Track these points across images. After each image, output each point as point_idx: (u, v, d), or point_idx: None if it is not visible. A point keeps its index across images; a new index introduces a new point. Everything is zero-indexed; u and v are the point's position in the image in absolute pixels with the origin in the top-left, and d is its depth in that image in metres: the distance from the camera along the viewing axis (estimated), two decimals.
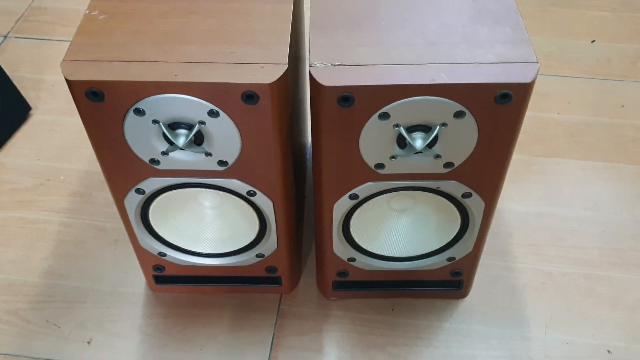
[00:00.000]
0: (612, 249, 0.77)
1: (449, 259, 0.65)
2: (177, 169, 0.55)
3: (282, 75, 0.49)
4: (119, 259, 0.76)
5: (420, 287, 0.70)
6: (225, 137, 0.52)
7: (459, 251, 0.64)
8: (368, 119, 0.49)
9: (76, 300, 0.72)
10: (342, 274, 0.67)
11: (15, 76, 0.97)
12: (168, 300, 0.72)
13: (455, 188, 0.56)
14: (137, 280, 0.73)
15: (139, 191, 0.58)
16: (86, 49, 0.51)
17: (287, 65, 0.49)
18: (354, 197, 0.57)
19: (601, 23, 1.09)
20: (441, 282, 0.69)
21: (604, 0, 1.14)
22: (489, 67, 0.48)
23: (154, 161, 0.54)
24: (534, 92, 0.48)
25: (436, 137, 0.51)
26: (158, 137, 0.52)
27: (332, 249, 0.63)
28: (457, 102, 0.48)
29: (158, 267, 0.68)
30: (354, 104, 0.48)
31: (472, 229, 0.61)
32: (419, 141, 0.50)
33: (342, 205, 0.57)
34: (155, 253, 0.65)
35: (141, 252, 0.66)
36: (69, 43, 0.52)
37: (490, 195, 0.57)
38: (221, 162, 0.54)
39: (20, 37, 1.08)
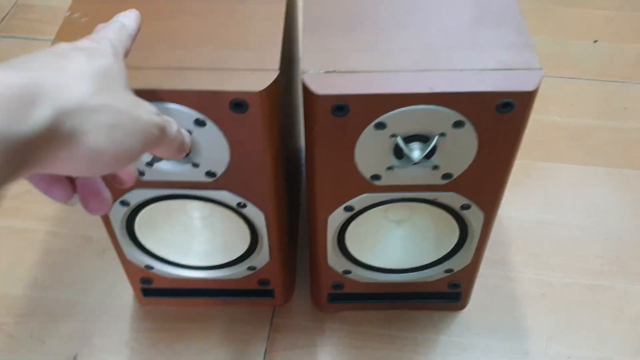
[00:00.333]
0: (615, 257, 0.75)
1: (447, 271, 0.63)
2: (162, 180, 0.53)
3: (273, 82, 0.46)
4: (106, 270, 0.73)
5: (418, 299, 0.68)
6: (213, 147, 0.49)
7: (457, 263, 0.62)
8: (364, 128, 0.47)
9: (62, 313, 0.69)
10: (337, 286, 0.65)
11: None
12: (157, 313, 0.69)
13: (454, 200, 0.54)
14: (124, 293, 0.71)
15: (124, 203, 0.55)
16: None
17: (278, 72, 0.47)
18: (349, 209, 0.54)
19: (604, 22, 1.07)
20: (439, 294, 0.67)
21: None
22: (490, 74, 0.46)
23: (138, 172, 0.52)
24: None
25: (434, 148, 0.48)
26: None
27: (327, 262, 0.61)
28: (457, 112, 0.46)
29: (146, 280, 0.66)
30: (349, 113, 0.46)
31: (470, 240, 0.59)
32: (416, 152, 0.48)
33: (336, 217, 0.55)
34: (142, 266, 0.63)
35: (128, 265, 0.64)
36: None
37: (490, 207, 0.55)
38: (209, 173, 0.52)
39: (5, 37, 1.05)
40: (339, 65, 0.47)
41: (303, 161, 0.82)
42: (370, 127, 0.47)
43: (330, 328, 0.68)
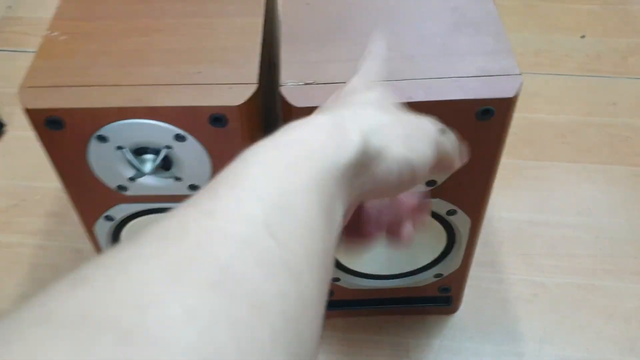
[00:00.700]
0: (606, 255, 0.75)
1: (437, 276, 0.63)
2: (146, 194, 0.53)
3: (252, 96, 0.46)
4: None
5: (408, 304, 0.68)
6: (195, 161, 0.49)
7: (447, 267, 0.62)
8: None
9: None
10: None
11: None
12: None
13: (439, 206, 0.53)
14: None
15: (108, 218, 0.55)
16: (45, 74, 0.48)
17: (257, 85, 0.47)
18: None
19: (591, 17, 1.07)
20: (429, 299, 0.67)
21: None
22: (468, 81, 0.46)
23: (121, 187, 0.52)
24: (522, 92, 0.45)
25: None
26: (124, 163, 0.49)
27: None
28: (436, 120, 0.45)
29: None
30: None
31: (459, 245, 0.59)
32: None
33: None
34: None
35: None
36: None
37: (476, 212, 0.55)
38: (192, 187, 0.52)
39: None
40: (317, 77, 0.46)
41: None
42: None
43: (321, 335, 0.68)
